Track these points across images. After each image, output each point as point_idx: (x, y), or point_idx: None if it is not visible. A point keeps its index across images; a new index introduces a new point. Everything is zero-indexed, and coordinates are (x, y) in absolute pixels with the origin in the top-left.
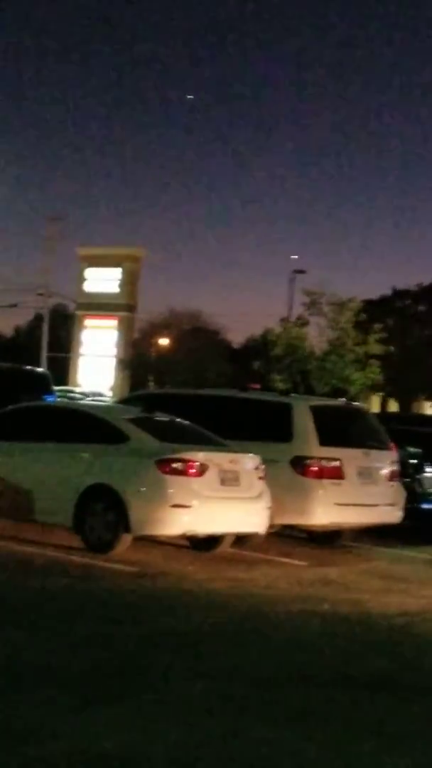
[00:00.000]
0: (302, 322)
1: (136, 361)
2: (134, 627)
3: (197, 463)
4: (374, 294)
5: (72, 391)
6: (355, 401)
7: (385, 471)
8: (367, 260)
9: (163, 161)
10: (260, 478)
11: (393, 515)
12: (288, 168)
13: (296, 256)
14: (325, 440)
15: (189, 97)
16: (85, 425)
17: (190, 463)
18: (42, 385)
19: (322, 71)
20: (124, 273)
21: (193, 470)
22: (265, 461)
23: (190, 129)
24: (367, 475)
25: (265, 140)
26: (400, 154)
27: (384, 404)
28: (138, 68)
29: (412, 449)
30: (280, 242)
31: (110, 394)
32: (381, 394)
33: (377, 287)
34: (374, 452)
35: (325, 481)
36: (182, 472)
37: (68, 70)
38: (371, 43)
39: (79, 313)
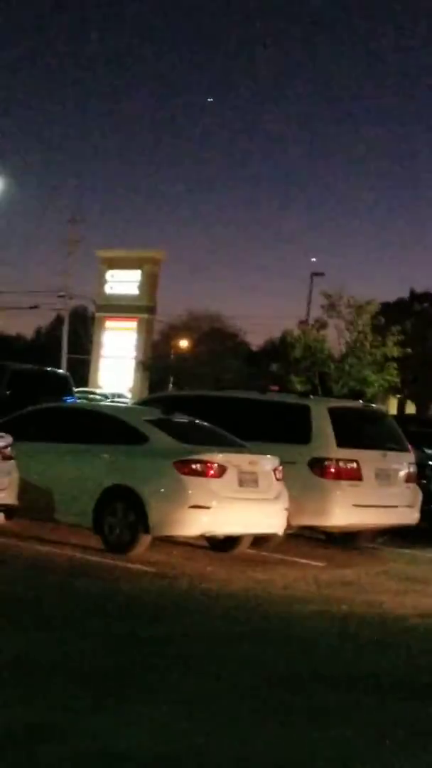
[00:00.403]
0: (321, 325)
1: (155, 363)
2: (152, 627)
3: (216, 465)
4: (392, 296)
5: (92, 393)
6: (372, 403)
7: (403, 473)
8: (385, 262)
9: (183, 164)
10: (278, 479)
11: (410, 517)
12: (308, 170)
13: (315, 259)
14: (343, 442)
15: (209, 100)
16: (105, 426)
17: (209, 465)
18: (63, 387)
19: (339, 67)
20: (143, 275)
21: (212, 471)
22: (283, 462)
23: (211, 131)
24: (384, 476)
25: (286, 141)
26: (420, 154)
27: (401, 406)
28: (157, 68)
29: (429, 451)
30: (300, 245)
31: (130, 395)
32: (399, 396)
33: (395, 290)
34: (392, 454)
35: (343, 483)
36: (201, 473)
37: (88, 72)
38: (399, 39)
39: (99, 315)
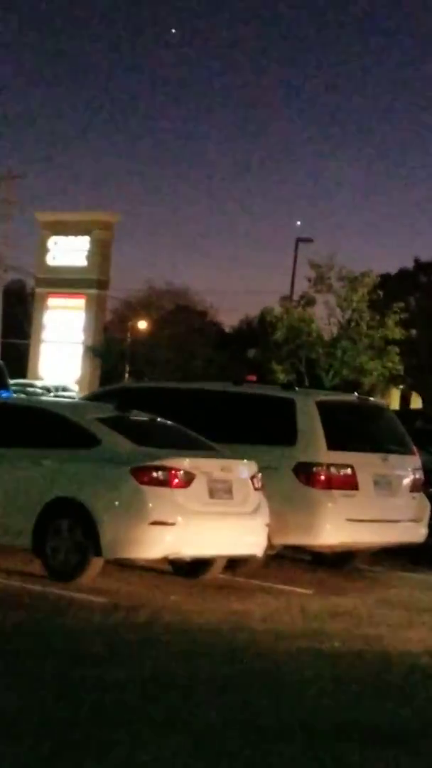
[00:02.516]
0: (307, 301)
1: (108, 349)
2: (106, 669)
3: (182, 472)
4: (393, 267)
5: (32, 385)
6: (370, 396)
7: (407, 480)
8: (383, 228)
9: (141, 110)
10: (257, 488)
11: (416, 533)
12: (290, 120)
13: (300, 222)
14: (335, 443)
15: (172, 31)
16: (47, 426)
17: (173, 472)
18: None
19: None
20: (93, 242)
21: (177, 480)
22: (262, 468)
23: (174, 72)
24: (385, 484)
25: (266, 89)
26: (418, 113)
27: (405, 399)
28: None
29: None
30: (282, 208)
31: (77, 388)
32: (401, 387)
33: (397, 259)
34: (394, 457)
35: (335, 493)
36: (164, 483)
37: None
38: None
39: (39, 290)
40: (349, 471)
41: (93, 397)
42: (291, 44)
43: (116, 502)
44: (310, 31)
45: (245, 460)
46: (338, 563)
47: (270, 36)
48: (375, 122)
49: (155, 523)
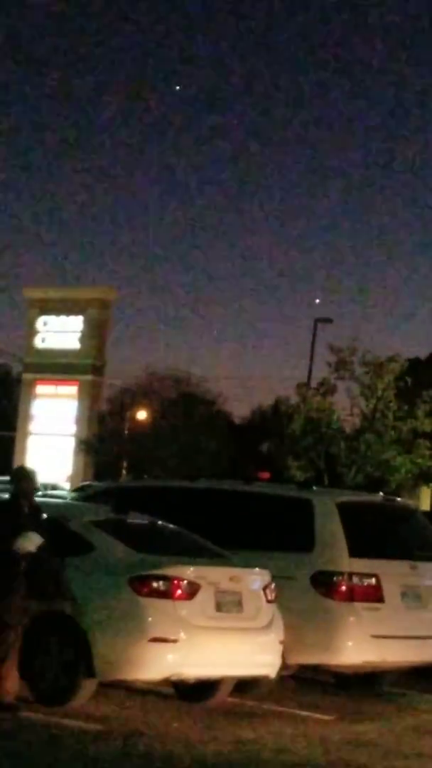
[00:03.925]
0: (327, 389)
1: (103, 442)
2: None
3: (185, 582)
4: (423, 351)
5: None
6: (398, 495)
7: None
8: (411, 309)
9: (139, 183)
10: (270, 601)
11: None
12: (310, 198)
13: (319, 300)
14: (358, 549)
15: (177, 88)
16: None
17: (175, 582)
18: None
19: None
20: (87, 322)
21: (180, 591)
22: (276, 578)
23: (182, 140)
24: (414, 596)
25: (283, 160)
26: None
27: None
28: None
29: None
30: (299, 288)
31: (69, 485)
32: None
33: (427, 342)
34: (424, 565)
35: (358, 605)
36: (165, 594)
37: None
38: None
39: (27, 376)
40: (373, 581)
41: (86, 497)
42: (295, 111)
43: (111, 617)
44: (327, 100)
45: (257, 569)
46: (362, 685)
47: (284, 102)
48: (400, 197)
49: (155, 639)
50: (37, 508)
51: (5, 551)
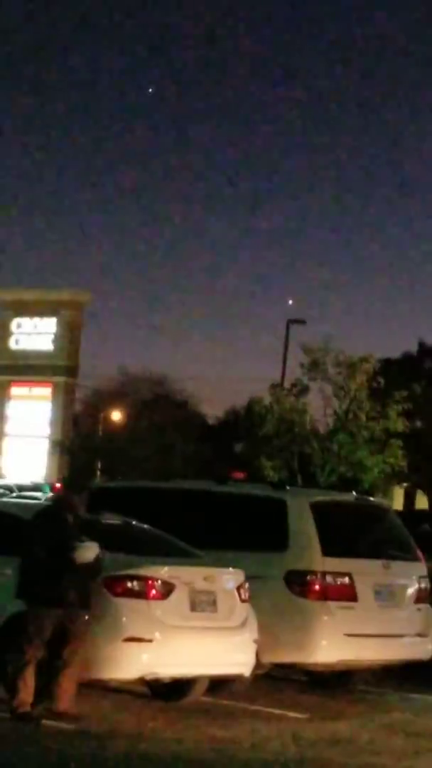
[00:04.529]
0: (300, 389)
1: (77, 443)
2: None
3: (159, 582)
4: (395, 352)
5: None
6: (370, 495)
7: (411, 589)
8: (384, 309)
9: (110, 183)
10: (244, 600)
11: (422, 649)
12: (283, 196)
13: (291, 301)
14: (331, 549)
15: (149, 90)
16: (8, 531)
17: (149, 582)
18: None
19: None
20: (61, 324)
21: (155, 591)
22: (250, 578)
23: (155, 140)
24: (387, 595)
25: (254, 157)
26: (413, 184)
27: (410, 498)
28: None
29: None
30: (271, 287)
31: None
32: (405, 485)
33: (399, 343)
34: (397, 564)
35: (331, 604)
36: (139, 594)
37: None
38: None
39: (1, 378)
40: (346, 580)
41: None
42: (271, 111)
43: (86, 617)
44: (297, 105)
45: (231, 569)
46: (335, 684)
47: (256, 104)
48: (375, 197)
49: (130, 639)
50: (81, 519)
51: (54, 561)
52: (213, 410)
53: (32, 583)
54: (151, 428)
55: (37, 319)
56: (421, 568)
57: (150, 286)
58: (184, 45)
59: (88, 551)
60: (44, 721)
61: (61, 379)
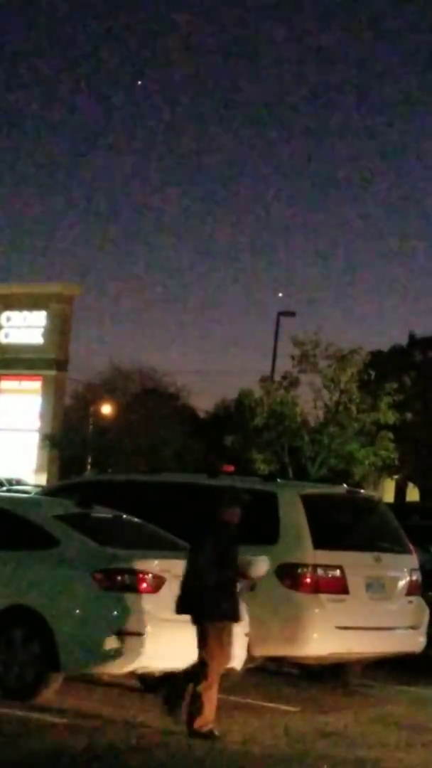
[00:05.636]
0: (290, 382)
1: (68, 437)
2: None
3: (150, 575)
4: (386, 344)
5: None
6: (361, 488)
7: (403, 582)
8: (375, 302)
9: (99, 177)
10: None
11: (413, 641)
12: (273, 188)
13: (281, 294)
14: (322, 541)
15: (138, 82)
16: None
17: (140, 575)
18: None
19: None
20: (50, 318)
21: (145, 584)
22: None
23: (146, 137)
24: (378, 587)
25: (245, 157)
26: (409, 180)
27: (400, 491)
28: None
29: None
30: (262, 280)
31: (33, 480)
32: (396, 477)
33: (390, 335)
34: (388, 557)
35: (323, 597)
36: (130, 588)
37: None
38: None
39: None
40: (337, 573)
41: (50, 492)
42: (263, 114)
43: (77, 610)
44: (288, 104)
45: None
46: (327, 677)
47: (251, 106)
48: (366, 190)
49: (121, 633)
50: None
51: (226, 575)
52: (203, 403)
53: (210, 599)
54: (142, 421)
55: (26, 313)
56: (413, 560)
57: (140, 279)
58: (171, 38)
59: (263, 565)
60: (33, 715)
61: (50, 372)
